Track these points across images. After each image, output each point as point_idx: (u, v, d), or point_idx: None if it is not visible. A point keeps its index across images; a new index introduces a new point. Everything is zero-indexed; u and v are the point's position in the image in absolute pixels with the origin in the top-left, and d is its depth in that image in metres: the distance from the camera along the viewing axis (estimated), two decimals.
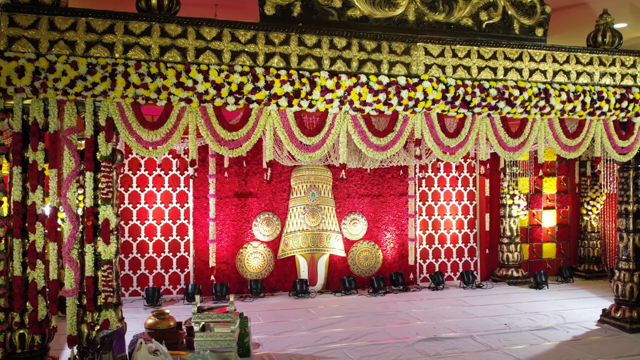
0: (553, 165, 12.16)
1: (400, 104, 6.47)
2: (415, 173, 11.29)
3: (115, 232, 5.91)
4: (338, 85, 6.20)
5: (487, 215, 11.60)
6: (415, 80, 6.51)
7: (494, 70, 6.98)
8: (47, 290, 5.64)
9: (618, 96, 7.30)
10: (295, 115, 6.32)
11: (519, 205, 11.29)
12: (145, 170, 10.04)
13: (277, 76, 6.05)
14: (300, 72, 6.19)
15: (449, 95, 6.58)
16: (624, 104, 7.33)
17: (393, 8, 6.73)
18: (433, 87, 6.50)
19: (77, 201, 5.76)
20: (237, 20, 6.17)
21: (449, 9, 6.92)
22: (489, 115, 6.95)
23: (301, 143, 6.35)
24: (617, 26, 9.30)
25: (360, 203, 11.00)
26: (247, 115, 6.17)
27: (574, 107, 7.12)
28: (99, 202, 5.73)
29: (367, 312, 8.98)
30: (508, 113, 6.96)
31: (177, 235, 10.19)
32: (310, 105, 6.24)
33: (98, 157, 5.76)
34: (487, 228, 11.62)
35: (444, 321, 8.37)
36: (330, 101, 6.25)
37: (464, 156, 7.35)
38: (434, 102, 6.56)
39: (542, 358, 6.79)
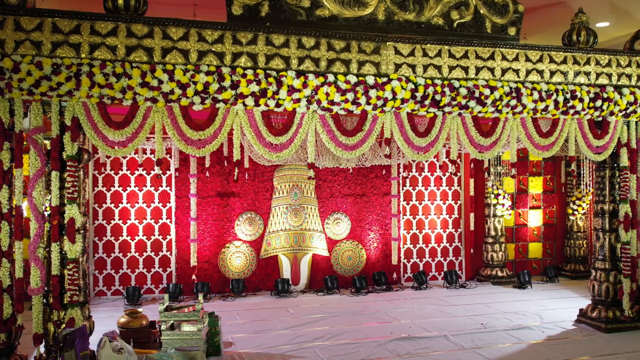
0: (539, 165, 12.15)
1: (368, 103, 6.48)
2: (399, 173, 11.30)
3: (82, 232, 5.95)
4: (305, 85, 6.22)
5: (472, 215, 11.59)
6: (384, 79, 6.52)
7: (466, 69, 6.98)
8: (13, 289, 5.67)
9: (592, 95, 7.30)
10: (263, 115, 6.34)
11: (503, 204, 11.28)
12: (127, 170, 10.08)
13: (244, 76, 6.08)
14: (268, 71, 6.22)
15: (418, 95, 6.59)
16: (598, 102, 7.32)
17: (362, 7, 6.74)
18: (402, 87, 6.51)
19: (43, 200, 5.78)
20: (214, 20, 6.19)
21: (419, 8, 6.93)
22: (460, 114, 6.95)
23: (269, 142, 6.37)
24: (599, 25, 9.32)
25: (343, 202, 11.01)
26: (213, 115, 6.19)
27: (547, 106, 7.12)
28: (65, 201, 5.77)
29: (346, 311, 8.99)
30: (479, 112, 6.96)
31: (159, 235, 10.22)
32: (278, 105, 6.26)
33: (64, 157, 5.79)
34: (472, 228, 11.61)
35: (421, 321, 8.37)
36: (298, 100, 6.27)
37: (435, 155, 7.35)
38: (403, 101, 6.57)
39: (513, 358, 6.78)
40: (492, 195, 11.30)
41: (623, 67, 7.57)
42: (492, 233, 11.39)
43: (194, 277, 10.07)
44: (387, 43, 6.70)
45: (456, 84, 6.75)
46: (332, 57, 6.52)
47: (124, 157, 10.03)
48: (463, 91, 6.72)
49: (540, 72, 7.29)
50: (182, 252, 10.18)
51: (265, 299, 10.02)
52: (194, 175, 10.08)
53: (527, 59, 7.25)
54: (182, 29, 6.09)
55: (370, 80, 6.46)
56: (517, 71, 7.19)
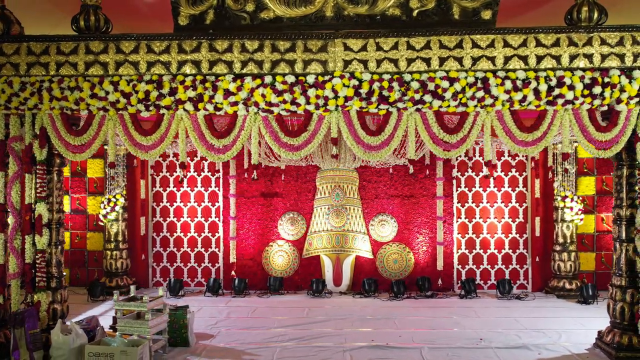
0: None
1: (309, 102, 6.39)
2: (448, 172, 10.64)
3: (55, 226, 6.82)
4: (240, 88, 6.36)
5: (537, 219, 10.42)
6: (327, 78, 6.37)
7: (427, 61, 6.48)
8: None
9: (587, 81, 6.26)
10: (206, 118, 6.61)
11: (571, 208, 9.96)
12: (181, 171, 11.00)
13: (182, 82, 6.43)
14: (207, 77, 6.48)
15: (363, 91, 6.31)
16: (597, 89, 6.25)
17: (309, 5, 6.65)
18: (344, 84, 6.30)
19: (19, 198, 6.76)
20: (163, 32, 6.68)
21: (372, 0, 6.60)
22: (419, 110, 6.47)
23: (211, 145, 6.62)
24: None
25: (389, 204, 10.70)
26: (159, 121, 6.63)
27: (525, 97, 6.30)
28: (35, 199, 6.67)
29: (358, 315, 8.79)
30: (440, 107, 6.41)
31: (208, 232, 10.99)
32: (217, 109, 6.49)
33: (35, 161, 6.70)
34: (538, 233, 10.44)
35: (419, 330, 7.88)
36: (235, 103, 6.43)
37: (395, 154, 6.91)
38: (347, 99, 6.35)
39: None
40: (559, 198, 10.06)
41: None
42: (560, 240, 10.13)
43: (233, 273, 10.64)
44: (336, 40, 6.51)
45: (407, 77, 6.31)
46: (277, 58, 6.54)
47: (177, 160, 10.96)
48: (414, 85, 6.26)
49: (524, 58, 6.45)
50: (228, 249, 10.80)
51: (300, 298, 10.19)
52: (233, 177, 10.65)
53: (506, 44, 6.46)
54: (133, 42, 6.63)
55: (311, 79, 6.36)
56: (492, 59, 6.46)
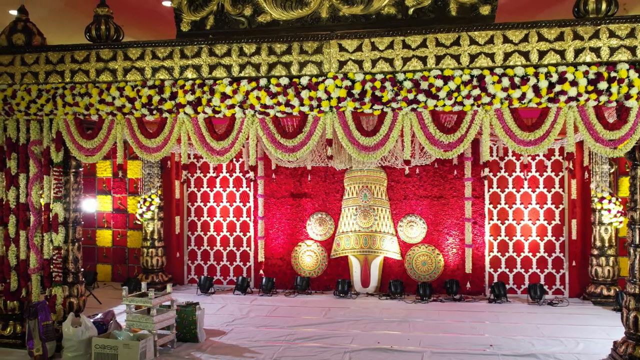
0: None
1: (302, 104, 6.42)
2: (482, 172, 10.31)
3: (72, 224, 7.24)
4: (236, 91, 6.49)
5: (574, 222, 9.92)
6: (320, 79, 6.39)
7: (423, 59, 6.34)
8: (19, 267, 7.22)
9: (592, 76, 5.91)
10: (206, 121, 6.80)
11: (609, 210, 9.41)
12: (214, 172, 11.33)
13: (182, 87, 6.64)
14: (206, 81, 6.66)
15: (355, 92, 6.27)
16: (602, 85, 5.89)
17: (305, 8, 6.69)
18: (336, 85, 6.29)
19: (39, 198, 7.22)
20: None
21: (367, 0, 6.54)
22: (414, 110, 6.35)
23: (211, 147, 6.79)
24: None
25: (418, 205, 10.53)
26: (163, 124, 6.88)
27: (524, 94, 6.03)
28: (52, 199, 7.12)
29: (376, 317, 8.72)
30: (436, 106, 6.26)
31: (240, 232, 11.24)
32: (215, 111, 6.65)
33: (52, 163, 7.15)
34: (574, 236, 9.93)
35: (431, 334, 7.71)
36: (232, 106, 6.57)
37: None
38: (340, 100, 6.33)
39: None
40: (596, 199, 9.53)
41: None
42: (598, 244, 9.59)
43: (261, 272, 10.83)
44: (331, 41, 6.51)
45: (400, 77, 6.21)
46: (273, 61, 6.62)
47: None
48: (407, 84, 6.16)
49: (525, 54, 6.18)
50: (259, 248, 11.01)
51: (325, 298, 10.23)
52: (261, 177, 10.84)
53: (506, 40, 6.21)
54: (139, 49, 6.92)
55: (304, 81, 6.40)
56: (491, 56, 6.23)
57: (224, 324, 8.34)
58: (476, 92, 6.08)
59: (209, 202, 11.37)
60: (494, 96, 6.08)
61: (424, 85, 6.12)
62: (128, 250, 11.65)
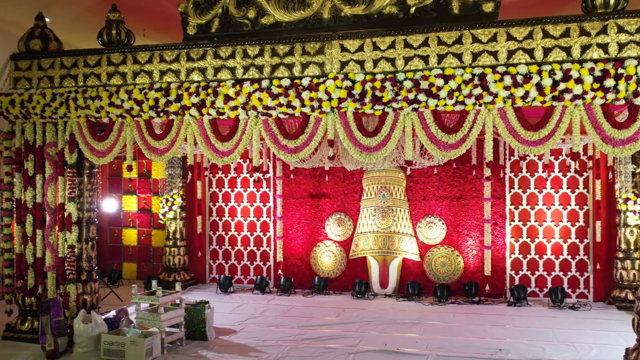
0: None
1: (304, 105, 6.43)
2: (505, 173, 10.12)
3: (85, 224, 7.46)
4: (238, 93, 6.56)
5: (599, 224, 9.59)
6: (321, 80, 6.38)
7: (425, 58, 6.28)
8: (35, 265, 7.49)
9: (598, 73, 5.71)
10: (211, 123, 6.89)
11: (635, 211, 9.06)
12: (234, 173, 11.46)
13: (187, 89, 6.75)
14: (211, 83, 6.75)
15: (356, 93, 6.24)
16: (608, 82, 5.68)
17: (307, 9, 6.70)
18: (337, 86, 6.28)
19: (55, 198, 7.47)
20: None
21: (369, 0, 6.50)
22: (416, 109, 6.28)
23: (216, 148, 6.88)
24: None
25: (437, 205, 10.39)
26: (170, 126, 7.01)
27: (527, 93, 5.88)
28: (66, 200, 7.35)
29: (389, 318, 8.65)
30: (437, 106, 6.17)
31: (260, 231, 11.34)
32: (219, 113, 6.74)
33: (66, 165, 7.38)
34: (599, 239, 9.61)
35: (440, 337, 7.61)
36: (235, 108, 6.64)
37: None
38: (341, 100, 6.32)
39: None
40: (621, 200, 9.19)
41: None
42: (623, 246, 9.25)
43: (279, 271, 10.89)
44: (333, 41, 6.51)
45: (400, 76, 6.15)
46: (276, 62, 6.67)
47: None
48: (407, 84, 6.09)
49: (530, 52, 6.03)
50: (277, 248, 11.07)
51: (342, 299, 10.20)
52: (279, 178, 10.90)
53: (510, 38, 6.09)
54: (148, 53, 7.09)
55: (305, 82, 6.41)
56: (494, 54, 6.11)
57: (237, 323, 8.43)
58: (478, 91, 5.96)
59: (230, 202, 11.51)
60: (496, 95, 5.95)
61: (424, 84, 6.04)
62: (153, 249, 11.91)
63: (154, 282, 7.61)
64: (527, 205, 10.11)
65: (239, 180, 11.47)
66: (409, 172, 7.01)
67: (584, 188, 9.89)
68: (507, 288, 10.08)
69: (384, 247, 10.52)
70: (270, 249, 11.26)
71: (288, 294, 10.44)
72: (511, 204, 10.16)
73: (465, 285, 9.92)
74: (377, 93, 6.18)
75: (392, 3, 6.48)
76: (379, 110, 6.35)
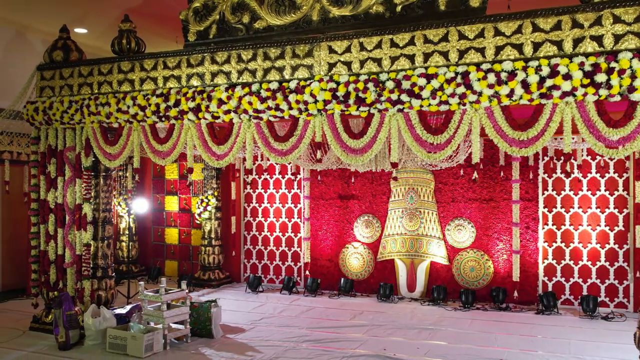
0: None
1: (291, 108, 6.46)
2: (537, 173, 9.63)
3: (101, 223, 7.88)
4: (230, 97, 6.69)
5: (638, 228, 8.90)
6: (308, 82, 6.39)
7: (411, 58, 6.12)
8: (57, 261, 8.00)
9: (589, 68, 5.33)
10: (208, 127, 7.06)
11: None
12: (267, 174, 11.65)
13: (185, 94, 6.97)
14: (207, 87, 6.93)
15: (340, 94, 6.19)
16: (599, 77, 5.28)
17: (297, 12, 6.71)
18: (321, 88, 6.26)
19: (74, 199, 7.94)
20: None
21: (356, 0, 6.41)
22: (402, 110, 6.13)
23: (213, 152, 7.04)
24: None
25: (466, 208, 10.06)
26: (171, 130, 7.26)
27: (512, 90, 5.58)
28: (82, 200, 7.80)
29: (401, 323, 8.47)
30: (422, 106, 6.00)
31: (292, 232, 11.45)
32: (214, 117, 6.90)
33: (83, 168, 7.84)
34: (638, 244, 8.92)
35: (444, 344, 7.37)
36: (228, 112, 6.78)
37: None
38: (326, 102, 6.29)
39: None
40: None
41: None
42: None
43: (307, 272, 10.95)
44: (321, 43, 6.49)
45: (383, 77, 6.03)
46: (268, 66, 6.74)
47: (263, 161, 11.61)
48: (390, 84, 5.96)
49: (519, 47, 5.72)
50: (310, 249, 11.13)
51: (367, 301, 10.11)
52: (307, 179, 10.96)
53: (498, 33, 5.80)
54: (153, 60, 7.38)
55: (293, 84, 6.43)
56: (481, 50, 5.85)
57: (249, 322, 8.58)
58: (461, 90, 5.73)
59: (263, 203, 11.71)
60: (480, 94, 5.69)
61: (406, 84, 5.88)
62: (192, 248, 12.34)
63: (183, 283, 7.79)
64: (561, 208, 9.56)
65: (271, 181, 11.64)
66: (394, 173, 6.76)
67: (623, 190, 9.21)
68: (540, 295, 9.56)
69: (411, 250, 10.32)
70: (300, 250, 11.34)
71: (314, 295, 10.48)
72: (544, 207, 9.64)
73: (493, 290, 9.53)
74: (361, 94, 6.09)
75: (379, 2, 6.36)
76: (365, 111, 6.25)
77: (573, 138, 7.33)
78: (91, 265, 7.77)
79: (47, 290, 8.00)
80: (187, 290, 7.74)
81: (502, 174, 9.63)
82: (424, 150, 6.12)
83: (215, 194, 11.48)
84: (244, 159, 11.07)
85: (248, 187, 11.86)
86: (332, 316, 8.94)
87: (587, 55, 5.43)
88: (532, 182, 9.63)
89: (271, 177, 11.65)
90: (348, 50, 6.37)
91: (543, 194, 9.65)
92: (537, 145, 5.69)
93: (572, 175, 9.45)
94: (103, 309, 7.45)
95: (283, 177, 11.54)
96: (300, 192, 11.35)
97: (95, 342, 7.30)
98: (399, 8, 6.28)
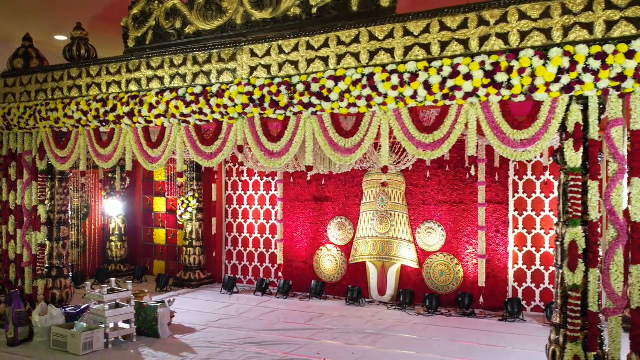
0: None
1: (213, 112, 6.51)
2: (507, 175, 9.34)
3: (55, 225, 8.15)
4: (158, 102, 6.80)
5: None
6: (228, 86, 6.42)
7: (326, 60, 6.07)
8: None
9: (489, 67, 5.14)
10: (144, 130, 7.19)
11: None
12: (247, 176, 11.73)
13: (121, 99, 7.13)
14: (141, 92, 7.07)
15: (256, 98, 6.20)
16: (499, 77, 5.09)
17: (223, 17, 6.75)
18: (239, 92, 6.29)
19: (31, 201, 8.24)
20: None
21: (275, 3, 6.40)
22: (315, 113, 6.08)
23: (148, 155, 7.16)
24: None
25: (437, 210, 9.84)
26: (112, 134, 7.43)
27: (416, 92, 5.45)
28: (37, 202, 8.09)
29: (353, 327, 8.36)
30: (333, 110, 5.94)
31: (269, 234, 11.49)
32: (147, 121, 7.03)
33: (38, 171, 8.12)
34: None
35: (382, 350, 7.24)
36: (159, 116, 6.89)
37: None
38: (244, 106, 6.31)
39: None
40: None
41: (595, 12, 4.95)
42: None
43: (280, 274, 10.97)
44: (244, 47, 6.52)
45: (295, 80, 6.01)
46: (197, 70, 6.82)
47: (242, 165, 11.68)
48: (300, 87, 5.93)
49: (426, 47, 5.58)
50: (285, 251, 11.14)
51: (335, 304, 10.03)
52: (280, 181, 10.97)
53: (407, 33, 5.68)
54: (97, 66, 7.58)
55: (215, 88, 6.49)
56: (391, 51, 5.74)
57: (205, 323, 8.66)
58: (367, 92, 5.64)
59: (243, 204, 11.80)
60: (386, 95, 5.58)
61: (315, 87, 5.84)
62: (178, 249, 12.56)
63: (112, 280, 8.01)
64: (532, 211, 9.22)
65: (251, 183, 11.72)
66: (292, 180, 6.73)
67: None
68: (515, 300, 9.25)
69: (382, 253, 10.19)
70: (277, 251, 11.37)
71: (286, 297, 10.49)
72: (515, 210, 9.32)
73: (459, 295, 9.29)
74: (274, 98, 6.08)
75: (296, 4, 6.32)
76: (281, 114, 6.24)
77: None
78: (46, 265, 8.04)
79: (8, 288, 8.33)
80: (131, 291, 7.90)
81: (467, 176, 9.37)
82: (337, 154, 6.04)
83: (197, 195, 11.65)
84: (227, 161, 11.34)
85: (229, 188, 11.98)
86: (290, 319, 8.93)
87: (491, 54, 5.24)
88: (502, 184, 9.33)
89: (250, 179, 11.73)
90: (268, 53, 6.37)
91: (514, 196, 9.34)
92: (443, 148, 5.53)
93: (543, 178, 9.11)
94: (51, 307, 7.70)
95: (262, 179, 11.59)
96: (278, 193, 11.38)
97: (43, 339, 7.54)
98: (314, 10, 6.23)
